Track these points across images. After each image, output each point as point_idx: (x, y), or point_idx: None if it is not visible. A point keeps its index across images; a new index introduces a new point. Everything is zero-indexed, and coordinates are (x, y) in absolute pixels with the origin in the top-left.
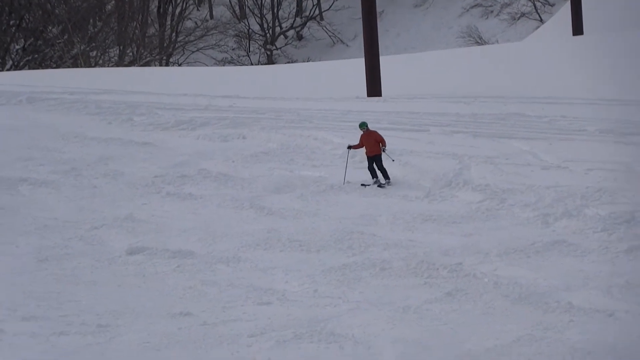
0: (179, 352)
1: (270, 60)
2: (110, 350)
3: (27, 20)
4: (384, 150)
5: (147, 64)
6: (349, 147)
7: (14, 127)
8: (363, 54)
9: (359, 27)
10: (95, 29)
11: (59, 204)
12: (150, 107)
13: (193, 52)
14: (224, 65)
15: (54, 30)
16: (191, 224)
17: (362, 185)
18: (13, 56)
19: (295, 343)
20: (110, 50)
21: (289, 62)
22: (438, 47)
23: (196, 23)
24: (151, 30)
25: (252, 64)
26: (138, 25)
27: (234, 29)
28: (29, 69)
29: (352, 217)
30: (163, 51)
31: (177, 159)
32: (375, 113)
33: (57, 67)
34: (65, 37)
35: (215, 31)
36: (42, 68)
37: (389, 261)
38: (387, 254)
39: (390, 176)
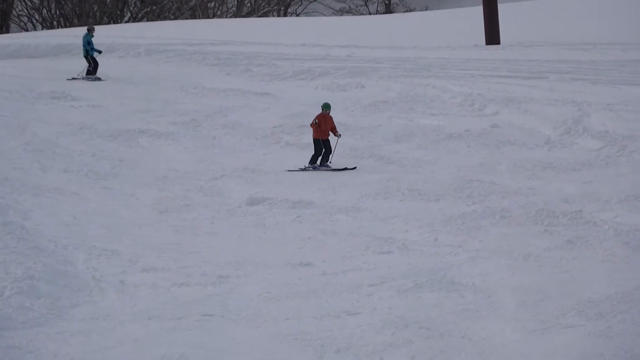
0: (299, 302)
1: (388, 10)
2: (230, 301)
3: None
4: (337, 136)
5: (265, 15)
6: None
7: (132, 80)
8: (481, 2)
9: None
10: None
11: (178, 156)
12: (268, 58)
13: (311, 2)
14: (341, 15)
15: None
16: (310, 173)
17: (304, 168)
18: (131, 8)
19: (416, 292)
20: (228, 1)
21: (406, 11)
22: None
23: None
24: None
25: (370, 14)
26: None
27: None
28: (147, 20)
29: (471, 165)
30: (281, 1)
31: (295, 108)
32: (494, 61)
33: (175, 18)
34: None
35: None
36: (160, 20)
37: (509, 209)
38: (506, 202)
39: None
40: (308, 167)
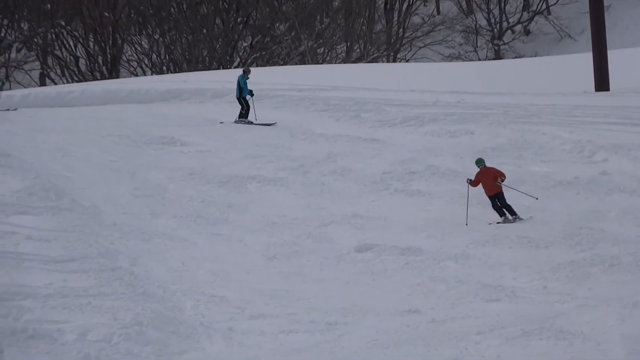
0: (407, 350)
1: (498, 56)
2: (339, 348)
3: (255, 18)
4: (501, 182)
5: (374, 60)
6: (469, 181)
7: (240, 125)
8: (591, 49)
9: (586, 21)
10: (323, 26)
11: (287, 201)
12: (378, 104)
13: (420, 47)
14: (451, 61)
15: (282, 27)
16: (420, 221)
17: (498, 222)
18: (241, 54)
19: (524, 340)
20: (337, 47)
21: (516, 57)
22: None
23: (423, 19)
24: (378, 27)
25: (479, 59)
26: (365, 22)
27: (461, 24)
28: (257, 66)
29: (580, 212)
30: (390, 47)
31: (404, 155)
32: (604, 107)
33: (285, 64)
34: (293, 34)
35: (442, 27)
36: (270, 65)
37: (618, 257)
38: (616, 249)
39: (516, 212)
40: (501, 222)
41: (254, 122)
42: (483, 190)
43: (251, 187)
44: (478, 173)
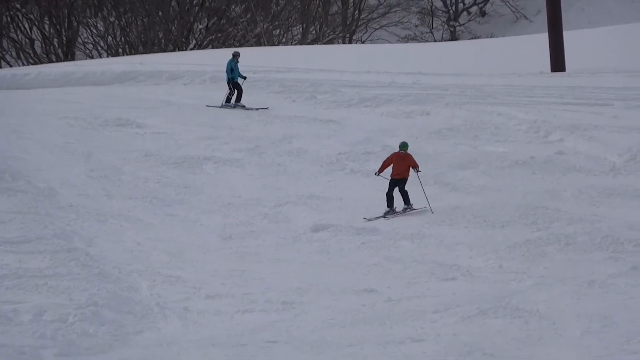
0: (363, 329)
1: (454, 37)
2: (294, 327)
3: (210, 0)
4: (417, 172)
5: (330, 42)
6: (377, 174)
7: (197, 106)
8: (547, 30)
9: (542, 2)
10: (279, 7)
11: (243, 182)
12: (334, 85)
13: (376, 29)
14: (407, 42)
15: (237, 9)
16: (375, 201)
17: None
18: (197, 36)
19: (480, 318)
20: (293, 29)
21: (472, 38)
22: (622, 22)
23: (379, 0)
24: (334, 8)
25: (435, 41)
26: (321, 3)
27: (416, 5)
28: (212, 48)
29: (536, 192)
30: (346, 29)
31: (360, 136)
32: (560, 88)
33: (240, 45)
34: (248, 15)
35: (398, 8)
36: (225, 47)
37: (574, 236)
38: (571, 228)
39: (411, 201)
40: (382, 216)
41: (247, 107)
42: (399, 171)
43: (207, 168)
44: (394, 155)
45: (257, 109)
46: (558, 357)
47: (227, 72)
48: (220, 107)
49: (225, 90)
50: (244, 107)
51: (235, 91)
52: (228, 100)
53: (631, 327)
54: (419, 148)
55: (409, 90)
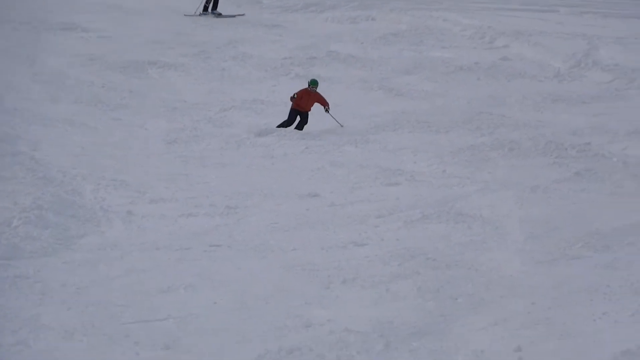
0: (306, 233)
1: None
2: (238, 231)
3: None
4: (327, 111)
5: None
6: (292, 98)
7: (142, 11)
8: None
9: None
10: None
11: (188, 87)
12: None
13: None
14: None
15: None
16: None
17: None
18: None
19: (423, 223)
20: None
21: None
22: None
23: None
24: None
25: None
26: None
27: None
28: None
29: (480, 97)
30: None
31: (306, 41)
32: None
33: None
34: None
35: None
36: None
37: (518, 141)
38: (515, 134)
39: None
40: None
41: (223, 14)
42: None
43: (152, 73)
44: (304, 91)
45: (235, 15)
46: (501, 262)
47: None
48: (199, 15)
49: None
50: (220, 14)
51: None
52: (205, 8)
53: (573, 232)
54: (364, 53)
55: None
